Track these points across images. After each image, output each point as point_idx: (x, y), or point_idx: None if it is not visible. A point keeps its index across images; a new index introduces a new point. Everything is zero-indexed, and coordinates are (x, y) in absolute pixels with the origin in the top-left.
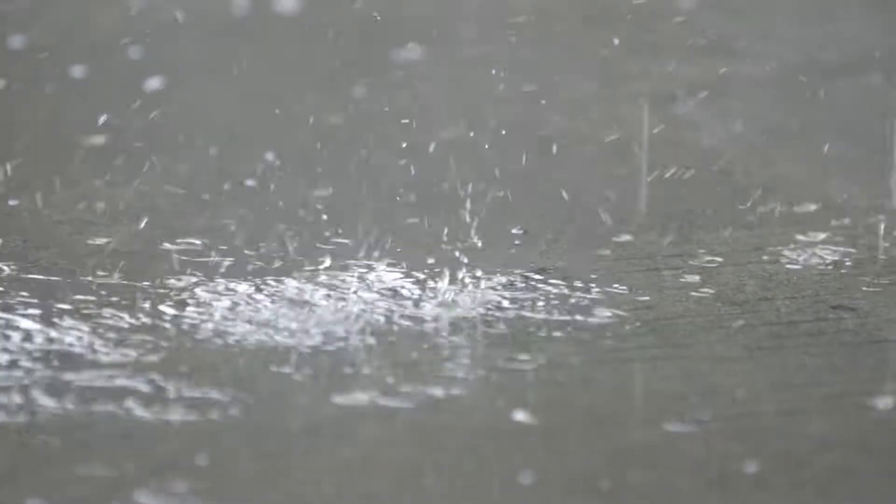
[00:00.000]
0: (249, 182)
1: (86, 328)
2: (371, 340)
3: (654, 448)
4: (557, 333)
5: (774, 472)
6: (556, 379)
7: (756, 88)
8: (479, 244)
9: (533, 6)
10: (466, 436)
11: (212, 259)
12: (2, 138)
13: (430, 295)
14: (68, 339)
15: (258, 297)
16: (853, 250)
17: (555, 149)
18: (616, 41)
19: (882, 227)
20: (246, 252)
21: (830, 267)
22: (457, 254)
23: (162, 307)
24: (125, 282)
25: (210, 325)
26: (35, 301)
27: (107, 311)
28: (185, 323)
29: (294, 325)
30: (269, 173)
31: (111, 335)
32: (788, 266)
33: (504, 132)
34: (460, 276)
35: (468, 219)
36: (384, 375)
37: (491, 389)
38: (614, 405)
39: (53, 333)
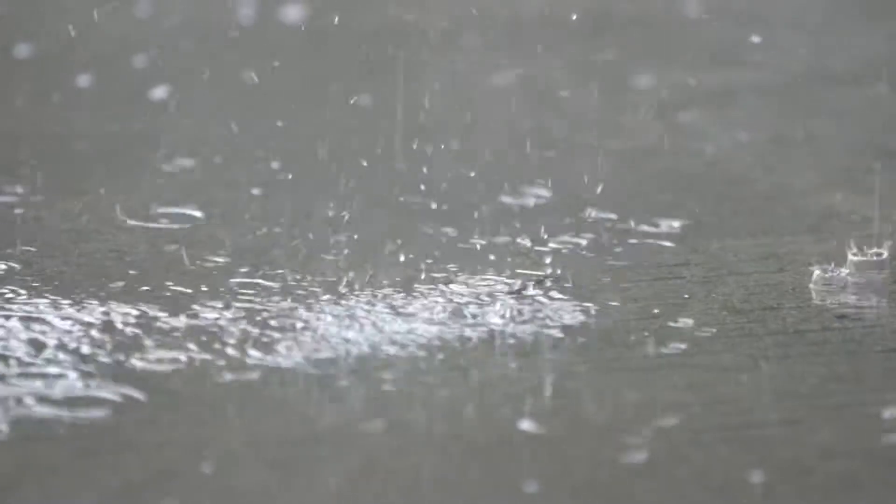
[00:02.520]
0: (255, 191)
1: (90, 338)
2: (374, 350)
3: (659, 457)
4: (562, 342)
5: (780, 481)
6: (562, 388)
7: (762, 97)
8: (483, 252)
9: (539, 14)
10: (472, 445)
11: (219, 267)
12: (8, 146)
13: (436, 305)
14: (73, 349)
15: (261, 306)
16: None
17: (559, 157)
18: (621, 49)
19: (888, 236)
20: (251, 260)
21: (836, 276)
22: (460, 263)
23: (167, 316)
24: (131, 290)
25: (215, 333)
26: (40, 310)
27: (112, 320)
28: (195, 331)
29: (295, 334)
30: (275, 183)
31: (115, 345)
32: (794, 275)
33: (509, 140)
34: (464, 285)
35: (472, 227)
36: (389, 385)
37: (496, 398)
38: (619, 414)
39: (58, 344)
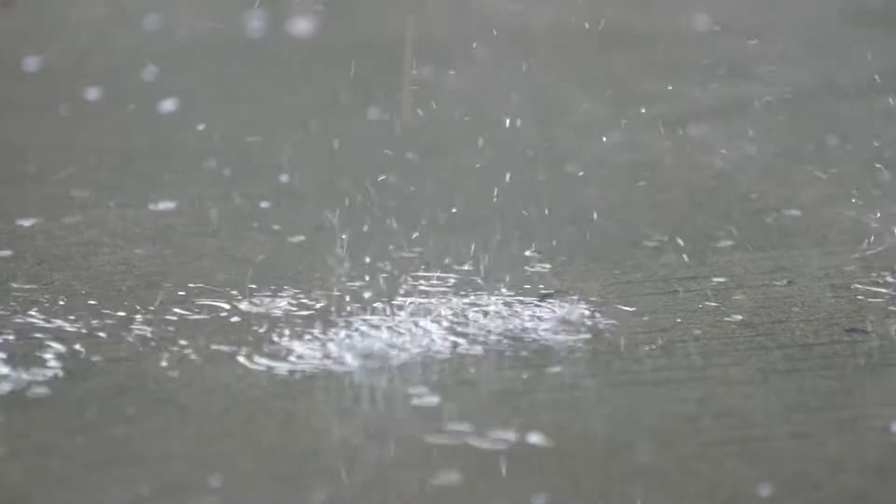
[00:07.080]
0: (263, 204)
1: (96, 348)
2: (380, 363)
3: (667, 470)
4: (572, 355)
5: (788, 494)
6: (571, 401)
7: (770, 111)
8: (494, 266)
9: (548, 28)
10: (480, 458)
11: (226, 277)
12: (16, 159)
13: (445, 316)
14: (78, 362)
15: (268, 316)
16: (867, 273)
17: (569, 170)
18: (631, 63)
19: None
20: (258, 271)
21: (845, 289)
22: (470, 276)
23: (172, 327)
24: (137, 302)
25: (223, 345)
26: (47, 322)
27: (120, 332)
28: (202, 344)
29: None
30: (282, 195)
31: (121, 355)
32: (803, 289)
33: (518, 154)
34: (472, 297)
35: (482, 240)
36: (396, 398)
37: (505, 411)
38: (628, 427)
39: (66, 354)
